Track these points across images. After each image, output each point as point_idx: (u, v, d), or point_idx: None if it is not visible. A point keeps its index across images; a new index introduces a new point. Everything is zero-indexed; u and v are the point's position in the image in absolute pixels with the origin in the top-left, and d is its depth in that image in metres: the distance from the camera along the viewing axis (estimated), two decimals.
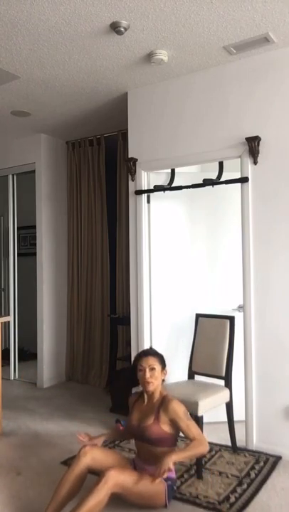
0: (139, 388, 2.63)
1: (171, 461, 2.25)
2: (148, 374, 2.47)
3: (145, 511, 2.35)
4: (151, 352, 2.60)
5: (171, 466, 2.26)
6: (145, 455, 2.49)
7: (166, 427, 2.43)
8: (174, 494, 2.47)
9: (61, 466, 2.90)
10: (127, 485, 2.21)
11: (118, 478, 2.17)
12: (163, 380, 2.56)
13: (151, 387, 2.48)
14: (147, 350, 2.67)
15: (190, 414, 2.55)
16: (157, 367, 2.50)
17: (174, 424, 2.43)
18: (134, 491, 2.23)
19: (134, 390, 2.90)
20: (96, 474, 2.29)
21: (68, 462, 2.96)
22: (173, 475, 2.44)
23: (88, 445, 2.40)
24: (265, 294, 3.10)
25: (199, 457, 2.63)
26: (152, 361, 2.50)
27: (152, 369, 2.48)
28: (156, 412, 2.45)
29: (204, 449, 2.38)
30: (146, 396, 2.55)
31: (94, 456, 2.35)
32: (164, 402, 2.47)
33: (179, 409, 2.43)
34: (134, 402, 2.64)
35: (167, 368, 2.60)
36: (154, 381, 2.48)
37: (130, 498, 2.27)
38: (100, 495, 2.11)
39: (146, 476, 2.31)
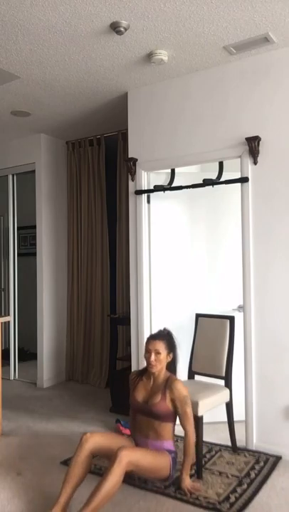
0: None
1: (187, 478, 2.56)
2: (153, 357, 2.62)
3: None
4: (160, 335, 2.71)
5: (189, 482, 2.55)
6: (147, 430, 2.62)
7: (170, 405, 2.60)
8: (176, 466, 2.65)
9: (61, 466, 2.90)
10: (139, 461, 2.34)
11: (131, 457, 2.29)
12: (168, 363, 2.69)
13: (154, 369, 2.64)
14: (157, 333, 2.77)
15: None
16: (163, 351, 2.63)
17: (174, 403, 2.60)
18: (145, 466, 2.39)
19: None
20: (102, 457, 2.49)
21: (68, 462, 2.96)
22: (173, 448, 2.62)
23: (89, 432, 2.50)
24: (265, 294, 3.10)
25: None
26: (159, 345, 2.64)
27: (158, 353, 2.62)
28: (163, 391, 2.62)
29: (194, 439, 2.61)
30: (152, 377, 2.70)
31: (96, 441, 2.44)
32: (168, 381, 2.64)
33: (182, 391, 2.59)
34: (135, 379, 2.79)
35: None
36: (158, 364, 2.63)
37: (140, 472, 2.44)
38: (116, 475, 2.21)
39: (151, 450, 2.51)
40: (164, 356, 2.64)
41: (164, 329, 2.79)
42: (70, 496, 2.33)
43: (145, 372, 2.76)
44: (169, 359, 2.69)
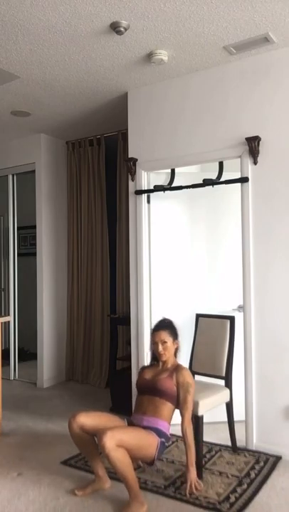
0: None
1: (193, 470, 2.57)
2: (160, 347, 2.76)
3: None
4: (163, 325, 2.84)
5: (196, 477, 2.57)
6: (147, 406, 2.68)
7: (174, 386, 2.68)
8: (163, 451, 2.69)
9: (61, 466, 2.90)
10: (122, 439, 2.33)
11: (114, 437, 2.30)
12: (176, 350, 2.83)
13: (164, 358, 2.78)
14: (159, 323, 2.88)
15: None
16: (168, 340, 2.78)
17: (178, 388, 2.68)
18: (130, 442, 2.37)
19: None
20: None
21: (68, 462, 2.96)
22: (166, 431, 2.62)
23: (72, 417, 2.57)
24: (265, 294, 3.10)
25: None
26: (164, 335, 2.78)
27: (164, 342, 2.77)
28: (171, 373, 2.74)
29: (190, 430, 2.61)
30: (160, 364, 2.82)
31: (81, 422, 2.53)
32: (178, 367, 2.76)
33: (187, 378, 2.70)
34: (144, 368, 2.96)
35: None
36: (167, 352, 2.77)
37: (129, 451, 2.38)
38: (117, 460, 2.28)
39: (138, 428, 2.54)
40: (170, 344, 2.78)
41: (165, 319, 2.91)
42: (100, 465, 2.59)
43: (153, 364, 2.90)
44: (176, 345, 2.83)
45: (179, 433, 3.30)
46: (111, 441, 2.26)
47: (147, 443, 2.48)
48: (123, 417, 2.75)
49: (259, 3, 2.55)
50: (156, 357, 2.84)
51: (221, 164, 3.44)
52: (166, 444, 2.65)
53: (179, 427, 2.60)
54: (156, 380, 2.72)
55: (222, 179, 3.38)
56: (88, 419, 2.55)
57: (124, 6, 2.56)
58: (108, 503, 2.44)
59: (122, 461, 2.29)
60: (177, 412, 2.73)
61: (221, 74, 3.31)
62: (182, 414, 2.64)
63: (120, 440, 2.31)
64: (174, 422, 3.27)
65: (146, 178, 3.69)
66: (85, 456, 2.66)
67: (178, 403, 2.69)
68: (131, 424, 2.68)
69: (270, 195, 3.10)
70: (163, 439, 2.58)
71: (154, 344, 2.82)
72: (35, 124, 4.59)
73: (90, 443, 2.57)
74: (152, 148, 3.64)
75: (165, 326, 2.84)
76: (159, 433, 2.57)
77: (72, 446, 3.17)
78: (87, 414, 2.58)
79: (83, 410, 2.63)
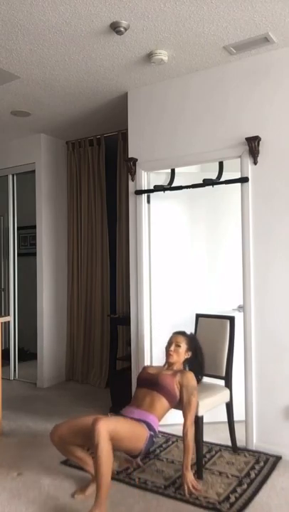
0: None
1: (189, 474, 2.56)
2: (172, 347, 2.85)
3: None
4: (184, 333, 2.95)
5: (192, 479, 2.56)
6: (142, 399, 2.70)
7: (176, 386, 2.71)
8: (151, 446, 2.63)
9: (61, 466, 2.90)
10: (116, 428, 2.35)
11: (108, 425, 2.28)
12: (185, 360, 2.88)
13: (171, 359, 2.84)
14: (183, 331, 2.99)
15: None
16: (183, 345, 2.86)
17: (181, 389, 2.70)
18: (122, 433, 2.37)
19: None
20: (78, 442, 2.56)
21: (68, 462, 2.96)
22: (155, 426, 2.61)
23: (53, 429, 2.57)
24: (265, 294, 3.10)
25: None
26: (181, 340, 2.88)
27: (178, 345, 2.85)
28: (175, 372, 2.79)
29: (192, 432, 2.61)
30: (166, 365, 2.88)
31: (61, 434, 2.52)
32: (182, 370, 2.84)
33: (192, 382, 2.73)
34: (150, 366, 3.06)
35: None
36: (175, 355, 2.83)
37: (117, 442, 2.35)
38: (104, 449, 2.22)
39: (129, 419, 2.53)
40: (183, 350, 2.85)
41: (191, 333, 3.02)
42: (91, 463, 2.52)
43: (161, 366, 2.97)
44: (187, 356, 2.88)
45: (179, 433, 3.30)
46: (104, 429, 2.24)
47: (138, 434, 2.48)
48: (106, 413, 2.75)
49: (259, 3, 2.55)
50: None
51: (221, 164, 3.44)
52: (155, 439, 2.62)
53: (179, 427, 2.60)
54: (158, 375, 2.77)
55: (222, 179, 3.38)
56: (67, 430, 2.53)
57: (124, 6, 2.56)
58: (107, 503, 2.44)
59: (107, 456, 2.23)
60: (175, 412, 2.73)
61: (221, 74, 3.31)
62: (185, 416, 2.65)
63: (113, 429, 2.29)
64: (174, 422, 3.28)
65: (146, 178, 3.69)
66: (77, 462, 2.61)
67: (173, 402, 2.70)
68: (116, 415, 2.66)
69: (270, 195, 3.10)
70: (152, 433, 2.57)
71: (168, 344, 2.90)
72: (35, 124, 4.59)
73: (74, 448, 2.56)
74: (152, 148, 3.64)
75: (186, 335, 2.95)
76: (149, 426, 2.56)
77: None
78: (63, 425, 2.57)
79: (62, 423, 2.61)
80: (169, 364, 2.87)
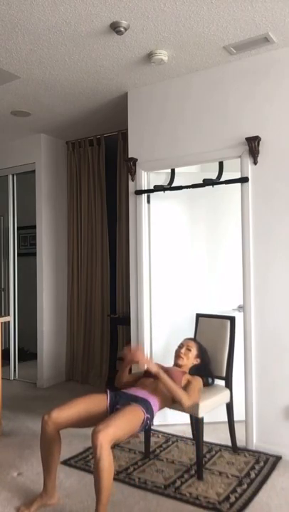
0: None
1: (155, 367, 2.60)
2: (183, 350, 2.90)
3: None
4: (196, 340, 3.03)
5: (153, 368, 2.60)
6: (146, 385, 2.70)
7: (185, 381, 2.76)
8: (144, 428, 2.55)
9: (61, 466, 2.90)
10: (116, 434, 2.23)
11: (108, 435, 2.17)
12: (193, 366, 2.90)
13: (181, 361, 2.87)
14: (194, 338, 3.11)
15: (191, 416, 2.72)
16: (194, 351, 2.91)
17: (187, 384, 2.73)
18: (122, 434, 2.29)
19: None
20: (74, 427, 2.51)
21: (68, 462, 2.97)
22: (155, 407, 2.57)
23: (46, 413, 2.46)
24: (265, 294, 3.10)
25: (177, 402, 2.68)
26: (192, 345, 2.94)
27: (188, 350, 2.91)
28: (184, 371, 2.84)
29: (186, 402, 2.61)
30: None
31: (54, 419, 2.41)
32: (192, 375, 2.87)
33: (200, 383, 2.78)
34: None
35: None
36: (185, 358, 2.88)
37: (121, 438, 2.34)
38: (105, 458, 2.13)
39: (127, 409, 2.40)
40: (192, 355, 2.90)
41: (195, 338, 3.09)
42: (54, 478, 2.45)
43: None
44: (196, 362, 2.91)
45: (179, 433, 3.31)
46: (105, 442, 2.13)
47: (134, 425, 2.38)
48: (104, 391, 2.66)
49: (259, 3, 2.55)
50: (176, 363, 2.92)
51: (221, 164, 3.44)
52: (150, 422, 2.51)
53: (179, 427, 2.61)
54: (170, 369, 2.79)
55: (222, 179, 3.38)
56: (62, 413, 2.43)
57: (124, 6, 2.56)
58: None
59: (109, 471, 2.14)
60: (175, 412, 2.73)
61: (221, 74, 3.31)
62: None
63: (113, 436, 2.20)
64: (174, 422, 3.29)
65: (146, 178, 3.69)
66: (43, 463, 2.46)
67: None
68: (117, 392, 2.62)
69: (270, 195, 3.10)
70: (148, 416, 2.47)
71: (179, 347, 2.95)
72: (35, 124, 4.59)
73: (57, 451, 2.45)
74: (152, 148, 3.64)
75: (198, 342, 3.00)
76: (147, 407, 2.49)
77: (72, 446, 3.18)
78: (60, 409, 2.46)
79: (56, 406, 2.49)
80: (177, 366, 2.89)
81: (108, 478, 2.14)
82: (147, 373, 2.82)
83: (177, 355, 2.91)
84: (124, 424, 2.33)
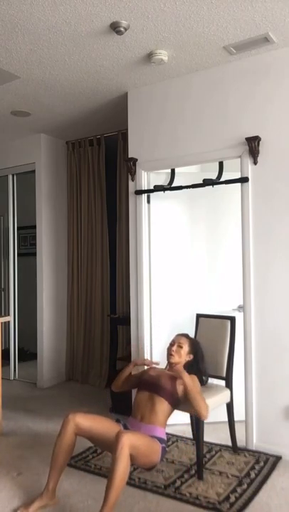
0: None
1: (183, 372, 2.64)
2: (174, 348, 2.84)
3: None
4: (188, 336, 2.96)
5: (183, 373, 2.64)
6: (144, 407, 2.67)
7: (178, 386, 2.70)
8: (165, 455, 2.60)
9: None
10: (137, 443, 2.30)
11: (131, 439, 2.25)
12: (186, 362, 2.85)
13: (172, 360, 2.82)
14: (186, 333, 3.00)
15: (191, 416, 2.74)
16: (185, 347, 2.85)
17: (184, 391, 2.66)
18: (142, 449, 2.33)
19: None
20: (85, 438, 2.52)
21: (68, 462, 2.96)
22: (164, 437, 2.60)
23: (71, 414, 2.50)
24: (265, 294, 3.10)
25: (196, 415, 2.71)
26: (183, 341, 2.87)
27: (180, 346, 2.84)
28: (176, 377, 2.74)
29: (205, 414, 2.62)
30: (168, 366, 2.87)
31: (80, 422, 2.46)
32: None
33: (196, 382, 2.73)
34: (152, 368, 2.97)
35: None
36: (176, 356, 2.82)
37: (137, 458, 2.34)
38: (124, 460, 2.18)
39: (145, 435, 2.45)
40: (184, 352, 2.84)
41: (195, 338, 3.04)
42: (58, 480, 2.44)
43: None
44: (189, 359, 2.86)
45: (179, 433, 3.31)
46: (127, 444, 2.20)
47: (153, 450, 2.45)
48: (119, 420, 2.70)
49: (259, 3, 2.55)
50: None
51: (221, 164, 3.44)
52: (167, 449, 2.62)
53: (179, 427, 2.61)
54: (160, 377, 2.76)
55: (222, 179, 3.38)
56: (86, 421, 2.48)
57: (124, 6, 2.56)
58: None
59: (124, 472, 2.18)
60: (175, 412, 2.73)
61: (221, 74, 3.31)
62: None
63: (135, 444, 2.26)
64: (174, 422, 3.28)
65: (146, 178, 3.69)
66: (53, 462, 2.46)
67: (175, 404, 2.70)
68: (126, 428, 2.63)
69: (270, 195, 3.10)
70: (164, 445, 2.56)
71: (170, 344, 2.89)
72: (35, 124, 4.59)
73: (69, 451, 2.47)
74: (152, 148, 3.64)
75: (189, 337, 2.95)
76: (160, 440, 2.55)
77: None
78: (85, 416, 2.52)
79: (81, 411, 2.58)
80: (170, 365, 2.86)
81: (121, 480, 2.16)
82: (142, 385, 2.79)
83: (168, 353, 2.86)
84: (145, 441, 2.39)
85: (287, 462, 2.95)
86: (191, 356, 2.88)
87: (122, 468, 2.17)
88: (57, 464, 2.44)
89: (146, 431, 2.56)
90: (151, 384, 2.74)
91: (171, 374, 2.77)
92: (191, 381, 2.65)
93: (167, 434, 3.34)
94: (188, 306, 3.59)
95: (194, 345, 2.92)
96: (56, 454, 2.45)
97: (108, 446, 2.41)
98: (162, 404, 2.64)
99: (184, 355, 2.84)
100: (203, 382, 2.90)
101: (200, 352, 2.93)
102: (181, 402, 2.72)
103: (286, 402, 3.01)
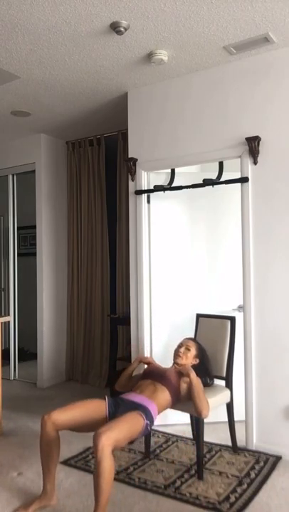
0: None
1: (191, 369, 2.73)
2: (182, 350, 2.89)
3: None
4: (196, 340, 3.03)
5: (190, 370, 2.72)
6: (144, 388, 2.72)
7: (182, 383, 2.76)
8: (144, 434, 2.60)
9: (61, 466, 2.90)
10: (118, 437, 2.23)
11: (110, 437, 2.18)
12: (192, 365, 2.86)
13: (179, 361, 2.86)
14: (193, 338, 3.11)
15: (191, 416, 2.74)
16: (193, 351, 2.91)
17: (188, 388, 2.72)
18: (122, 439, 2.28)
19: None
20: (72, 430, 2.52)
21: (68, 462, 2.97)
22: (153, 414, 2.56)
23: (46, 413, 2.45)
24: (265, 294, 3.10)
25: (197, 414, 2.72)
26: (191, 345, 2.93)
27: (188, 349, 2.90)
28: (181, 373, 2.81)
29: (206, 412, 2.66)
30: (173, 367, 2.90)
31: (54, 420, 2.41)
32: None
33: (199, 380, 2.74)
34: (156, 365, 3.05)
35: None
36: (184, 357, 2.87)
37: (120, 445, 2.32)
38: (107, 460, 2.13)
39: (128, 415, 2.41)
40: (191, 355, 2.89)
41: (195, 338, 3.11)
42: (53, 480, 2.45)
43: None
44: (194, 362, 2.90)
45: (179, 433, 3.31)
46: (107, 445, 2.14)
47: (135, 429, 2.39)
48: (103, 396, 2.67)
49: (259, 3, 2.55)
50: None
51: (221, 164, 3.44)
52: (149, 428, 2.52)
53: (179, 427, 2.61)
54: (166, 370, 2.84)
55: (222, 179, 3.38)
56: (62, 414, 2.43)
57: (124, 6, 2.56)
58: None
59: (109, 473, 2.14)
60: (175, 412, 2.73)
61: (221, 74, 3.31)
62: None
63: (115, 440, 2.21)
64: (174, 422, 3.28)
65: (146, 178, 3.69)
66: (42, 464, 2.46)
67: (175, 398, 2.73)
68: (116, 403, 2.60)
69: (270, 195, 3.10)
70: (148, 422, 2.47)
71: (178, 346, 2.94)
72: (35, 124, 4.59)
73: (56, 451, 2.45)
74: (152, 148, 3.64)
75: (197, 342, 3.00)
76: (147, 414, 2.49)
77: (72, 445, 3.17)
78: (61, 410, 2.46)
79: (57, 407, 2.49)
80: (176, 365, 2.89)
81: (108, 481, 2.14)
82: (146, 374, 2.83)
83: (176, 354, 2.91)
84: (126, 428, 2.33)
85: (287, 462, 2.95)
86: (197, 360, 2.92)
87: (107, 468, 2.13)
88: (46, 464, 2.44)
89: (140, 400, 2.59)
90: (156, 374, 2.80)
91: (178, 371, 2.82)
92: (197, 378, 2.70)
93: (167, 433, 3.35)
94: (188, 306, 3.59)
95: (201, 350, 2.97)
96: (42, 455, 2.45)
97: (97, 428, 2.32)
98: (164, 392, 2.68)
99: (190, 358, 2.89)
100: (208, 383, 2.94)
101: (206, 356, 2.99)
102: (181, 400, 2.74)
103: (286, 402, 3.01)
